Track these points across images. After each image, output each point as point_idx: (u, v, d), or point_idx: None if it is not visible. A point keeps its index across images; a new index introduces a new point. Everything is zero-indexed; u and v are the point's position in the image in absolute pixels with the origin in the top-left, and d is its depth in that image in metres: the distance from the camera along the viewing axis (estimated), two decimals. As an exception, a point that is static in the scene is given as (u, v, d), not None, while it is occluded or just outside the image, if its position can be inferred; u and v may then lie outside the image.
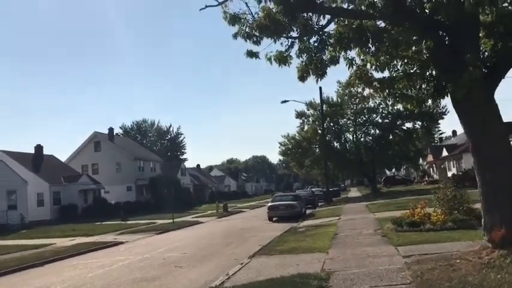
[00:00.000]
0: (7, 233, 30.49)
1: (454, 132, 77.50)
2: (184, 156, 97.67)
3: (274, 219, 27.74)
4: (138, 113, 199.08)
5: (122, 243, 22.26)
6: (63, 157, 56.56)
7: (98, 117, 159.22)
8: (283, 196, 30.77)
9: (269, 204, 28.59)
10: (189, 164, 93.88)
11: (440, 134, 53.85)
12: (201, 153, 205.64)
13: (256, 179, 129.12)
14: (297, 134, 53.81)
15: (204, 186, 79.98)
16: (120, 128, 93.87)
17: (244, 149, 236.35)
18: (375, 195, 47.47)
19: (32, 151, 47.75)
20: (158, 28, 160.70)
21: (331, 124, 53.84)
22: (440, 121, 51.00)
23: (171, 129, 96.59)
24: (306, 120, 53.72)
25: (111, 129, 58.40)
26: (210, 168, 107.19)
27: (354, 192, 71.25)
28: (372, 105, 53.29)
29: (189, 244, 18.90)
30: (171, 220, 32.96)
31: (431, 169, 70.68)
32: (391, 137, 53.88)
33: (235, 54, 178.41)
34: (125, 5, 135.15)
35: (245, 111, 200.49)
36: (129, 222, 36.58)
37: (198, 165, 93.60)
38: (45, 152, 49.16)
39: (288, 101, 39.69)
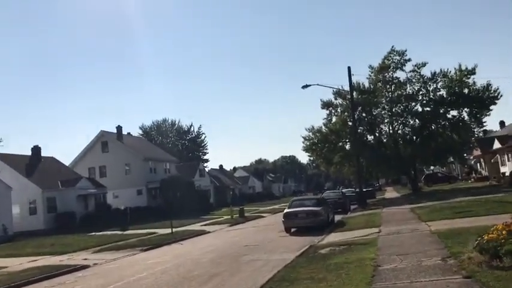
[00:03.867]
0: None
1: (502, 123, 68.89)
2: (206, 157, 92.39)
3: (292, 229, 21.56)
4: (159, 114, 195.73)
5: (86, 267, 16.76)
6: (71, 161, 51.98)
7: (115, 119, 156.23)
8: (304, 200, 24.28)
9: (285, 211, 22.32)
10: (212, 165, 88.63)
11: (482, 126, 46.39)
12: (227, 154, 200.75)
13: (284, 179, 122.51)
14: (323, 127, 47.14)
15: (226, 188, 74.19)
16: (140, 128, 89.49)
17: (273, 149, 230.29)
18: (417, 195, 40.39)
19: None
20: (182, 30, 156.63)
21: (363, 114, 46.92)
22: (492, 107, 43.24)
23: (191, 128, 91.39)
24: (333, 111, 47.04)
25: (119, 128, 53.20)
26: (234, 169, 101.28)
27: (390, 193, 63.88)
28: (410, 91, 46.35)
29: (157, 276, 12.92)
30: (173, 230, 27.52)
31: (478, 164, 62.66)
32: (433, 128, 46.58)
33: (262, 53, 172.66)
34: (145, 3, 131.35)
35: (274, 110, 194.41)
36: (127, 232, 31.39)
37: (221, 166, 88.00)
38: (49, 154, 44.54)
39: (309, 85, 33.15)
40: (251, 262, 13.55)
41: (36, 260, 19.72)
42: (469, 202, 23.72)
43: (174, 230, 28.40)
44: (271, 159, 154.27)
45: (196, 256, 16.58)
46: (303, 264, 11.44)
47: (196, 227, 32.06)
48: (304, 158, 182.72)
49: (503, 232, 8.87)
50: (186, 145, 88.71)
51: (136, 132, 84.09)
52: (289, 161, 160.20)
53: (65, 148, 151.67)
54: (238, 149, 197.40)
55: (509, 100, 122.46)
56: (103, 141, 51.94)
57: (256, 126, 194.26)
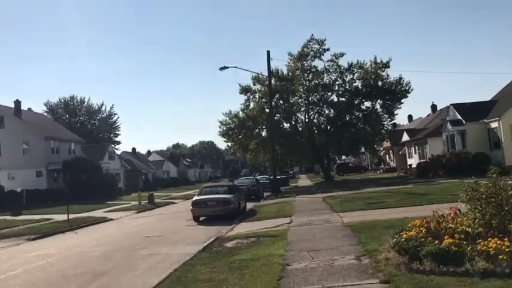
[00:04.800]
0: None
1: (410, 117, 72.71)
2: (118, 139, 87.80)
3: (201, 218, 20.14)
4: (66, 91, 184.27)
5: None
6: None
7: (14, 93, 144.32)
8: (214, 188, 22.84)
9: (194, 198, 20.82)
10: (125, 148, 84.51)
11: (393, 119, 48.09)
12: (142, 138, 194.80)
13: (201, 164, 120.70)
14: (240, 112, 46.00)
15: (138, 172, 70.92)
16: (45, 104, 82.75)
17: (191, 134, 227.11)
18: (329, 184, 40.79)
19: None
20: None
21: (281, 102, 46.41)
22: (404, 100, 44.62)
23: (102, 107, 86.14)
24: (251, 96, 46.09)
25: (17, 102, 48.05)
26: (149, 152, 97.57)
27: (304, 180, 64.66)
28: (327, 81, 46.61)
29: (32, 273, 10.87)
30: (73, 215, 25.07)
31: (387, 156, 65.35)
32: (347, 118, 47.27)
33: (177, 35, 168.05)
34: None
35: (193, 94, 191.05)
36: (19, 218, 28.18)
37: (134, 149, 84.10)
38: None
39: (228, 67, 31.68)
40: (148, 257, 11.92)
41: None
42: (380, 193, 23.79)
43: (73, 216, 25.91)
44: (189, 145, 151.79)
45: (87, 248, 14.59)
46: (205, 261, 10.07)
47: (98, 213, 29.52)
48: (222, 144, 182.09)
49: (422, 230, 8.10)
50: (96, 125, 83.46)
51: (40, 109, 77.78)
52: (207, 147, 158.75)
53: None
54: (154, 132, 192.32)
55: (418, 94, 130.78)
56: (-1, 116, 46.72)
57: (174, 110, 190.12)
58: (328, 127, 48.08)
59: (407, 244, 7.49)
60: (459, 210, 8.70)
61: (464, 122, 35.33)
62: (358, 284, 6.91)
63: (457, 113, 36.48)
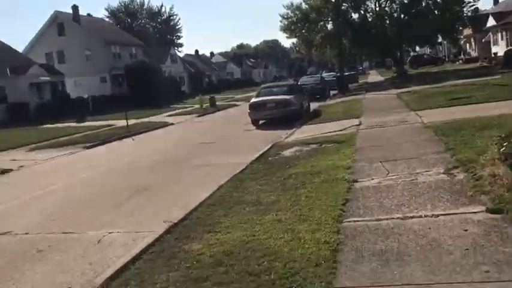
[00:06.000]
0: None
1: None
2: (180, 41, 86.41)
3: (260, 122, 18.57)
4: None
5: (7, 171, 13.62)
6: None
7: None
8: (274, 88, 20.73)
9: (252, 100, 19.07)
10: (187, 51, 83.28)
11: (471, 5, 41.31)
12: (204, 39, 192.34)
13: (265, 64, 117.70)
14: (303, 3, 41.99)
15: (201, 74, 69.98)
16: (106, 10, 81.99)
17: (255, 33, 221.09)
18: (403, 79, 37.28)
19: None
20: None
21: (348, -11, 41.70)
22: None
23: (162, 9, 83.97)
24: (315, -16, 41.55)
25: (75, 8, 47.04)
26: (212, 54, 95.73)
27: (374, 76, 60.68)
28: (401, -40, 40.82)
29: (68, 190, 9.97)
30: (131, 122, 24.62)
31: (467, 45, 59.04)
32: (423, 4, 41.90)
33: None
34: None
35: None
36: (82, 124, 28.36)
37: (197, 51, 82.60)
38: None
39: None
40: (196, 169, 10.61)
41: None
42: (464, 86, 20.68)
43: (134, 121, 25.53)
44: (253, 44, 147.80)
45: (137, 158, 13.62)
46: (256, 175, 8.49)
47: (160, 118, 28.97)
48: (287, 42, 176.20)
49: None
50: (157, 28, 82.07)
51: (102, 14, 77.24)
52: (272, 46, 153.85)
53: (19, 34, 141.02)
54: (217, 34, 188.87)
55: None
56: (58, 23, 46.29)
57: (237, 7, 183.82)
58: (402, 15, 43.10)
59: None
60: None
61: None
62: (454, 213, 4.98)
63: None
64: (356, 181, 6.94)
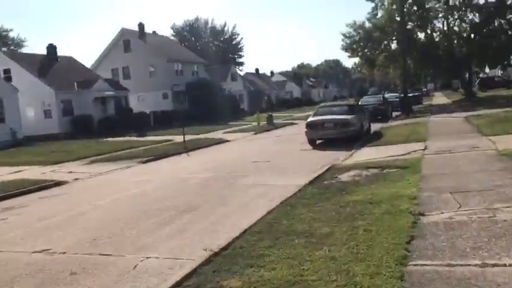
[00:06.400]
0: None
1: None
2: (241, 60, 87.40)
3: (317, 142, 17.87)
4: (190, 13, 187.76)
5: (61, 183, 13.86)
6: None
7: (138, 17, 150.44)
8: (333, 107, 19.97)
9: (309, 119, 18.41)
10: (248, 69, 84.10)
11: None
12: (265, 58, 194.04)
13: (325, 84, 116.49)
14: (366, 22, 40.93)
15: (260, 93, 70.10)
16: (171, 28, 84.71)
17: (316, 53, 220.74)
18: (471, 102, 35.23)
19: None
20: None
21: (414, 8, 40.13)
22: None
23: (226, 28, 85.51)
24: (379, 3, 40.49)
25: (141, 25, 48.83)
26: (272, 73, 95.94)
27: (439, 98, 58.06)
28: (473, -22, 38.99)
29: (116, 205, 9.74)
30: (189, 137, 24.70)
31: (544, 67, 55.21)
32: (496, 24, 39.60)
33: None
34: None
35: (317, 8, 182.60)
36: (143, 138, 28.91)
37: (257, 70, 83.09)
38: (70, 54, 41.41)
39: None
40: (247, 189, 10.11)
41: (19, 172, 17.13)
42: (543, 111, 18.95)
43: (192, 137, 25.65)
44: (314, 64, 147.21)
45: (189, 174, 13.30)
46: (310, 200, 7.83)
47: (217, 134, 28.97)
48: (349, 62, 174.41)
49: None
50: (220, 46, 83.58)
51: (168, 33, 79.86)
52: (333, 66, 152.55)
53: (88, 49, 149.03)
54: (279, 53, 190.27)
55: None
56: (125, 40, 48.09)
57: (298, 27, 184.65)
58: (472, 35, 40.99)
59: None
60: None
61: None
62: (549, 265, 4.09)
63: None
64: (423, 214, 6.11)
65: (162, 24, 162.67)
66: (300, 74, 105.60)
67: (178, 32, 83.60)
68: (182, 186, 11.48)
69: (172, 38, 73.61)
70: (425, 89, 77.78)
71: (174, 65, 48.34)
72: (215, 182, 11.57)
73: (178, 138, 25.69)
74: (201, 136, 27.46)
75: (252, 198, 9.15)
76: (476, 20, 40.31)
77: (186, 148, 21.31)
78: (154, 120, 41.22)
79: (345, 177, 9.88)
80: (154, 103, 44.95)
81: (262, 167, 13.42)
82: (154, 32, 54.84)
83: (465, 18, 41.29)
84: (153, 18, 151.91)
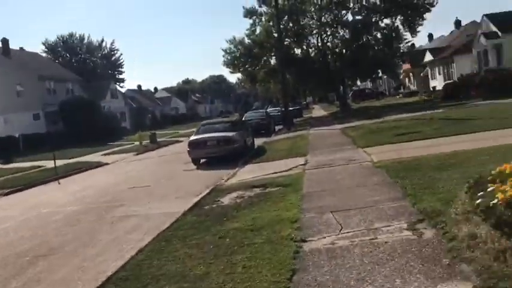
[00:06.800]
0: None
1: (431, 36, 67.24)
2: (122, 77, 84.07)
3: (202, 161, 17.20)
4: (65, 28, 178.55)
5: None
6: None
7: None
8: (215, 124, 19.54)
9: (191, 138, 17.74)
10: (130, 86, 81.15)
11: (416, 35, 43.28)
12: (148, 75, 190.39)
13: (211, 99, 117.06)
14: (245, 38, 41.69)
15: (143, 110, 67.91)
16: (43, 44, 78.59)
17: (201, 69, 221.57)
18: (345, 113, 37.33)
19: None
20: None
21: (290, 24, 41.85)
22: (427, 15, 39.67)
23: (103, 44, 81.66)
24: (257, 20, 41.46)
25: (5, 41, 44.35)
26: (155, 89, 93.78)
27: (318, 111, 61.11)
28: (341, -3, 41.71)
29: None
30: (63, 162, 22.79)
31: (407, 79, 61.04)
32: (364, 40, 42.77)
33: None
34: None
35: (198, 24, 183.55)
36: (8, 166, 25.97)
37: (139, 86, 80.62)
38: None
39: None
40: (119, 222, 9.08)
41: None
42: (409, 121, 20.40)
43: (66, 162, 23.69)
44: (199, 80, 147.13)
45: (55, 208, 11.78)
46: (187, 232, 7.09)
47: (95, 157, 26.91)
48: (233, 77, 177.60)
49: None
50: (98, 63, 79.43)
51: (39, 49, 73.93)
52: (218, 81, 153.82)
53: None
54: (162, 70, 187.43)
55: (437, 10, 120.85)
56: (-14, 58, 43.32)
57: (180, 43, 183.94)
58: (344, 50, 43.77)
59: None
60: None
61: (500, 34, 30.90)
62: (433, 293, 3.82)
63: (491, 24, 31.98)
64: (304, 240, 5.70)
65: (33, 40, 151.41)
66: (184, 89, 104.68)
67: (51, 48, 77.83)
68: (45, 223, 10.03)
69: (43, 54, 68.29)
70: (305, 102, 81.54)
71: (45, 83, 44.60)
72: (85, 215, 10.30)
73: (51, 164, 23.36)
74: (76, 160, 25.28)
75: (125, 232, 8.16)
76: (347, 36, 43.15)
77: (57, 175, 19.26)
78: (24, 145, 37.36)
79: (227, 200, 9.30)
80: (24, 125, 40.78)
81: (140, 193, 12.37)
82: (21, 48, 50.22)
83: (337, 35, 44.02)
84: (22, 34, 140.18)
